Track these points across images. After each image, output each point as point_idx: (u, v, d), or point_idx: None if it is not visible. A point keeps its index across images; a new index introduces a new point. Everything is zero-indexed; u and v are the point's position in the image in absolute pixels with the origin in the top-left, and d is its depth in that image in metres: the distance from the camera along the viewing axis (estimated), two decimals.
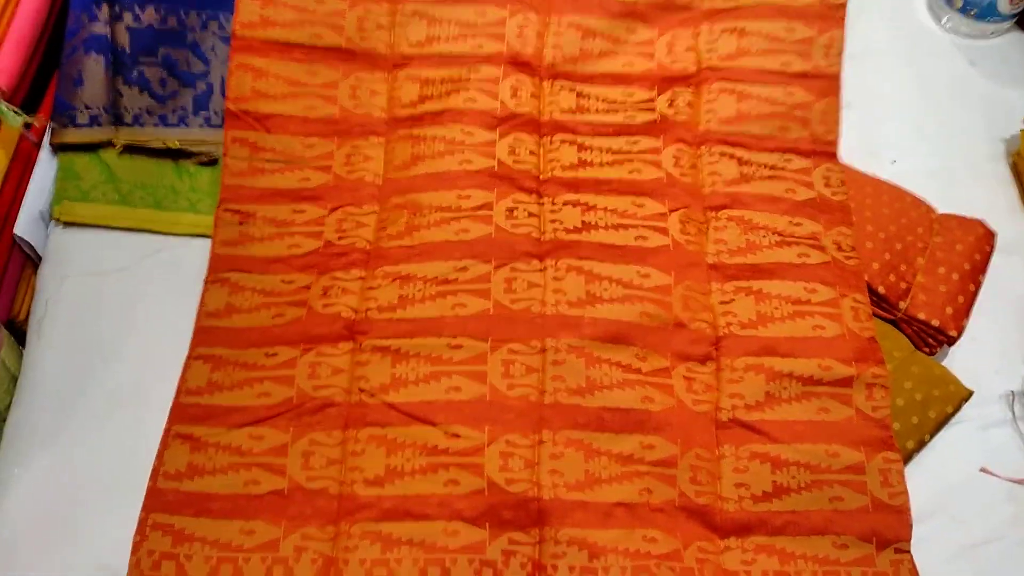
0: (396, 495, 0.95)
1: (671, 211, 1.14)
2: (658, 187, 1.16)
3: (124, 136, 1.19)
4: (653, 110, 1.22)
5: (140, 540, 0.93)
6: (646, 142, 1.20)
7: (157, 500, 0.95)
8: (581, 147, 1.19)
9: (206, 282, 1.10)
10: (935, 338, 1.13)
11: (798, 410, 1.02)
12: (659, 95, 1.24)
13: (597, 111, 1.22)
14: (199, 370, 1.03)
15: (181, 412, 1.01)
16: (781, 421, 1.01)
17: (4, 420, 1.05)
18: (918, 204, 1.22)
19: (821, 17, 1.28)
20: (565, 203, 1.14)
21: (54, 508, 0.97)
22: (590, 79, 1.25)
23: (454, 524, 0.93)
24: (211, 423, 0.99)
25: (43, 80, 1.24)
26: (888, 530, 0.96)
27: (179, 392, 1.02)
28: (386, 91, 1.23)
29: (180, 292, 1.11)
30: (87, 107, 1.18)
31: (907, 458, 1.05)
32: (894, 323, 1.15)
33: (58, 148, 1.20)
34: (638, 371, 1.02)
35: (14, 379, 1.07)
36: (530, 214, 1.13)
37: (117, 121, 1.20)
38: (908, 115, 1.39)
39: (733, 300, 1.10)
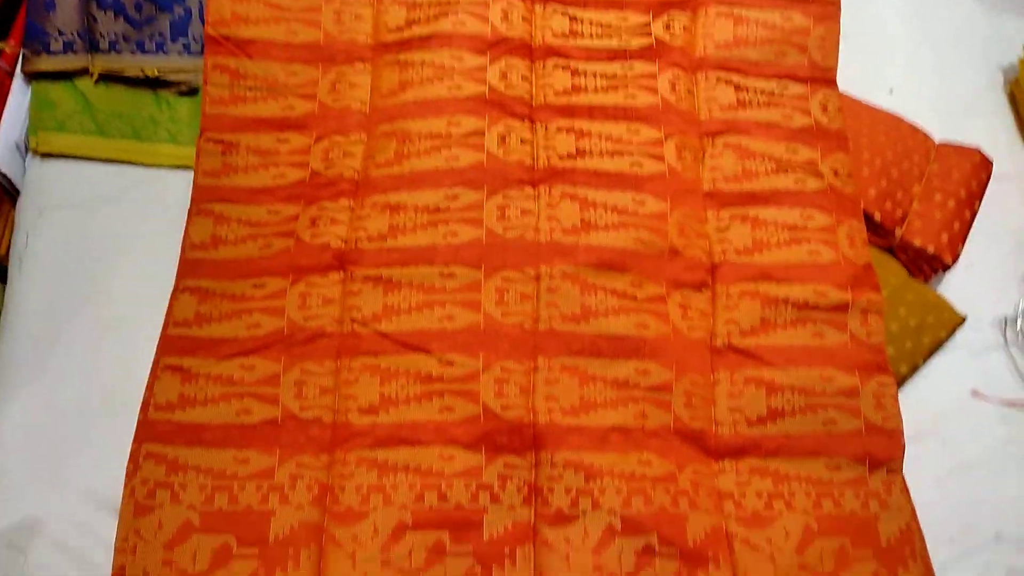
0: (391, 423, 0.94)
1: (667, 137, 1.11)
2: (654, 113, 1.13)
3: (100, 63, 1.15)
4: (649, 34, 1.19)
5: (133, 470, 0.92)
6: (641, 67, 1.17)
7: (149, 431, 0.94)
8: (575, 72, 1.16)
9: (190, 214, 1.07)
10: (930, 264, 1.13)
11: (793, 335, 1.02)
12: (654, 19, 1.20)
13: (591, 35, 1.19)
14: (186, 302, 1.01)
15: (170, 344, 0.99)
16: (776, 346, 1.01)
17: None
18: (915, 132, 1.20)
19: None
20: (558, 129, 1.11)
21: (43, 439, 0.96)
22: (583, 2, 1.21)
23: (450, 449, 0.92)
24: (201, 354, 0.98)
25: (13, 4, 1.19)
26: (881, 451, 0.97)
27: (167, 324, 1.00)
28: (371, 15, 1.19)
29: (163, 224, 1.08)
30: (60, 33, 1.14)
31: (900, 382, 1.05)
32: (890, 250, 1.14)
33: (32, 76, 1.15)
34: (633, 298, 1.01)
35: None
36: (522, 140, 1.10)
37: (92, 48, 1.15)
38: (906, 45, 1.37)
39: (729, 227, 1.08)
